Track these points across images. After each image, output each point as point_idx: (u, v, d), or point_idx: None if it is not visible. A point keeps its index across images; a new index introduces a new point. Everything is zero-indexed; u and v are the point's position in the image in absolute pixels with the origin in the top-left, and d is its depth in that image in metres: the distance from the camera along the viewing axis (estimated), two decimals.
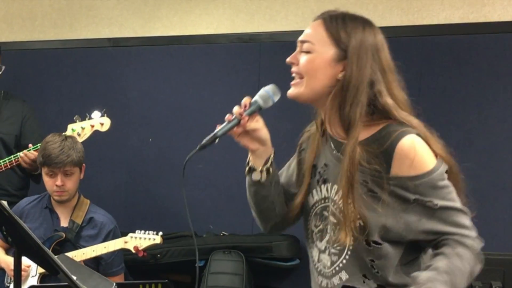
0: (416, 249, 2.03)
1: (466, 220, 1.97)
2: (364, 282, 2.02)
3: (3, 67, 4.13)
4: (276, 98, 2.09)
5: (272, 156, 2.13)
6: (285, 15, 4.48)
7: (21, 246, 2.24)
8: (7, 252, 3.66)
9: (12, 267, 3.48)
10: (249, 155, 2.17)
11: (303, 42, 2.05)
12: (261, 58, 4.50)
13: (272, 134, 2.12)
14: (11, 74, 4.88)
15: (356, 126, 1.96)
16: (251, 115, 2.06)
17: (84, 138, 3.71)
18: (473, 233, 1.97)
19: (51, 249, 3.41)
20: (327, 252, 2.09)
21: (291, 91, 2.06)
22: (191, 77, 4.70)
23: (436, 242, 1.97)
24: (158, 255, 4.30)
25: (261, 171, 2.14)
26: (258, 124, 2.08)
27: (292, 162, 2.30)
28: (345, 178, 1.96)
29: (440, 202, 1.93)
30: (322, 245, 2.12)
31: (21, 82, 5.00)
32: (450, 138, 4.38)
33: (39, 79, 5.05)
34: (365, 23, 2.04)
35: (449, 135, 4.26)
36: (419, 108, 2.09)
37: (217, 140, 2.06)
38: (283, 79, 4.59)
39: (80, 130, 3.74)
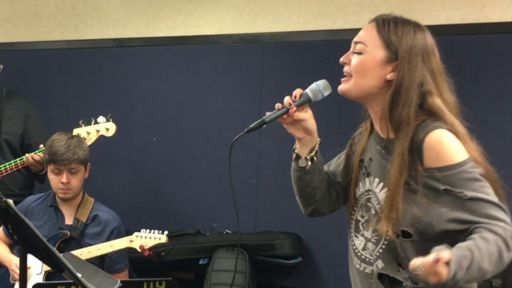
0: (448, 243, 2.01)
1: (500, 213, 1.95)
2: (398, 271, 2.09)
3: (1, 66, 4.13)
4: (326, 93, 2.20)
5: (317, 146, 2.25)
6: (288, 15, 4.48)
7: (27, 244, 2.25)
8: (11, 248, 3.68)
9: (13, 266, 3.52)
10: (296, 143, 2.27)
11: (356, 43, 2.15)
12: (264, 58, 4.51)
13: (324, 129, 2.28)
14: (17, 74, 4.91)
15: (408, 125, 2.04)
16: (300, 106, 2.17)
17: (89, 143, 3.71)
18: (507, 225, 1.94)
19: (56, 247, 3.42)
20: (372, 241, 2.18)
21: (341, 87, 2.16)
22: (195, 77, 4.71)
23: (467, 233, 1.95)
24: (162, 253, 4.30)
25: (306, 159, 2.25)
26: (306, 114, 2.19)
27: (342, 154, 2.41)
28: (395, 175, 2.04)
29: (471, 193, 1.94)
30: (369, 234, 2.20)
31: (26, 82, 5.02)
32: None
33: (44, 79, 5.07)
34: (416, 27, 2.13)
35: None
36: (466, 110, 2.17)
37: (264, 126, 2.15)
38: (286, 79, 4.63)
39: (85, 134, 3.74)
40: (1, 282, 3.68)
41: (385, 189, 2.11)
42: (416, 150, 2.02)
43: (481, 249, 1.85)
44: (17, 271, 3.44)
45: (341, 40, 4.42)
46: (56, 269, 2.29)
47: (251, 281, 4.24)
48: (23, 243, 2.26)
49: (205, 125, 4.63)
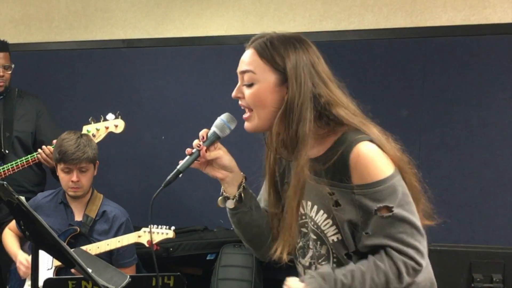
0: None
1: (415, 239, 1.90)
2: None
3: (13, 65, 4.18)
4: (233, 125, 2.07)
5: (244, 181, 2.12)
6: (293, 17, 4.52)
7: (38, 240, 2.29)
8: (23, 243, 3.70)
9: (20, 258, 3.53)
10: (222, 186, 2.13)
11: (243, 73, 2.02)
12: None
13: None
14: (28, 74, 4.94)
15: (305, 144, 1.93)
16: (211, 145, 2.04)
17: (98, 140, 3.75)
18: (415, 254, 1.90)
19: (66, 243, 3.42)
20: (313, 267, 2.09)
21: (247, 126, 2.05)
22: (202, 77, 4.75)
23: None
24: (171, 249, 4.34)
25: (234, 198, 2.11)
26: (219, 152, 2.06)
27: (265, 185, 2.28)
28: (290, 196, 1.98)
29: (396, 210, 1.87)
30: (306, 261, 2.12)
31: (38, 81, 5.04)
32: (452, 136, 4.46)
33: (55, 79, 5.09)
34: (295, 41, 2.01)
35: (451, 133, 4.35)
36: (362, 105, 2.08)
37: (181, 175, 2.03)
38: None
39: (95, 131, 3.78)
40: (13, 277, 3.72)
41: (321, 212, 2.01)
42: (342, 167, 1.92)
43: (365, 278, 1.88)
44: (22, 268, 3.51)
45: (345, 41, 4.48)
46: (67, 265, 2.33)
47: (258, 276, 4.28)
48: (35, 239, 2.30)
49: (212, 124, 4.66)
